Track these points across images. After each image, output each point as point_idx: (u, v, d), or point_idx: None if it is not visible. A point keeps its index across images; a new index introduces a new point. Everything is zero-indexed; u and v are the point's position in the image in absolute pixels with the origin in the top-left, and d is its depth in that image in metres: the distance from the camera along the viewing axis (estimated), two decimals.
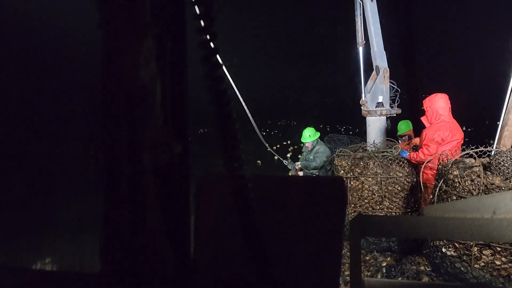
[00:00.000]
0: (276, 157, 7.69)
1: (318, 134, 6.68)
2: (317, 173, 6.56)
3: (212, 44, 0.51)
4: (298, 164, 6.73)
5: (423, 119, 4.81)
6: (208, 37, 0.50)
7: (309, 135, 6.55)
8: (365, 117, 6.67)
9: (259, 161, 13.39)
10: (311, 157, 6.55)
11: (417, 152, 4.66)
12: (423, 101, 4.82)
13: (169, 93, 0.58)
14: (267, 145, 7.56)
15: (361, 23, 6.63)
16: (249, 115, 6.90)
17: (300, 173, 6.74)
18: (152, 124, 0.58)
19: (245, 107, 6.85)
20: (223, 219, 0.71)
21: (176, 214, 0.61)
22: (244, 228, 0.58)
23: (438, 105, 4.63)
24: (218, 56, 0.52)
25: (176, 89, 0.59)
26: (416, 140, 5.84)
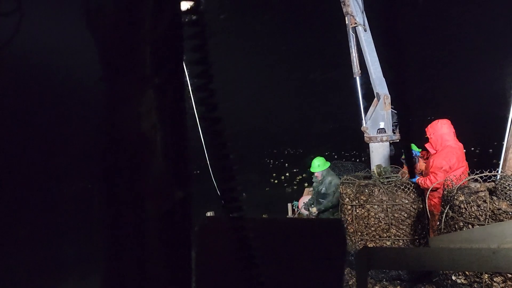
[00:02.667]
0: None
1: (328, 164, 6.40)
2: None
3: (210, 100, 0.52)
4: (315, 211, 6.23)
5: (427, 146, 4.78)
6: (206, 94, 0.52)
7: (318, 165, 6.30)
8: (368, 144, 6.70)
9: (265, 215, 13.19)
10: (323, 189, 6.25)
11: (424, 179, 4.63)
12: (426, 129, 4.80)
13: (170, 141, 0.60)
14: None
15: (355, 54, 6.79)
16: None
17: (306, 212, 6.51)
18: (154, 172, 0.59)
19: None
20: (225, 264, 0.71)
21: (179, 260, 0.62)
22: (246, 272, 0.59)
23: (442, 131, 4.62)
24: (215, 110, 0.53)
25: (177, 137, 0.61)
26: (422, 166, 5.81)
